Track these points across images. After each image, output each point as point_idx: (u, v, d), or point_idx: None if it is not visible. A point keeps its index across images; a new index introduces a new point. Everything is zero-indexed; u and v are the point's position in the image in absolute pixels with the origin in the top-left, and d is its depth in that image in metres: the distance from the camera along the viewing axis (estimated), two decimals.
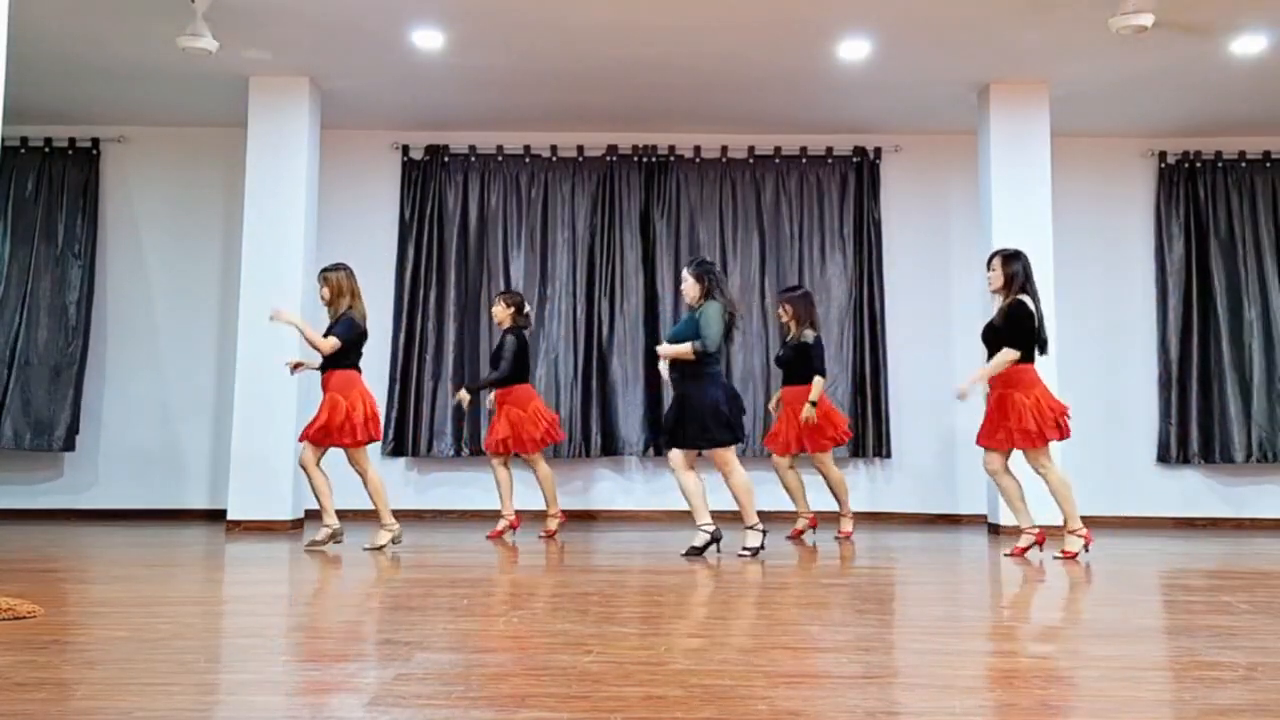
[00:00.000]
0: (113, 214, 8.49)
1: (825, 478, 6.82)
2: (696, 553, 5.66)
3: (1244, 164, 8.48)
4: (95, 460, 8.27)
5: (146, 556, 5.61)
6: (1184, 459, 8.27)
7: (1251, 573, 5.16)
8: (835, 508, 6.97)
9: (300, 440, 6.01)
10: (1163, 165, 8.52)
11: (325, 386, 5.97)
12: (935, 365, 8.40)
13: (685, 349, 5.67)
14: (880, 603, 4.16)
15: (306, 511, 7.86)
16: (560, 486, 8.32)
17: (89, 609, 3.82)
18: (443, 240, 8.41)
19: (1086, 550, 5.71)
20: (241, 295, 7.47)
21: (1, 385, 8.06)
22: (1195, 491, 8.32)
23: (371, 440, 5.95)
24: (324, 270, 6.14)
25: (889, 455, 8.27)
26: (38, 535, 6.75)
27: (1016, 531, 7.43)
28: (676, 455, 5.72)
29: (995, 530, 7.33)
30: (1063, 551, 5.69)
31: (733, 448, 5.71)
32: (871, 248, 8.39)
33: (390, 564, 5.35)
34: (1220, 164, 8.49)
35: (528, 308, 7.04)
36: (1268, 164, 8.48)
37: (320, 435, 5.86)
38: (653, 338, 8.24)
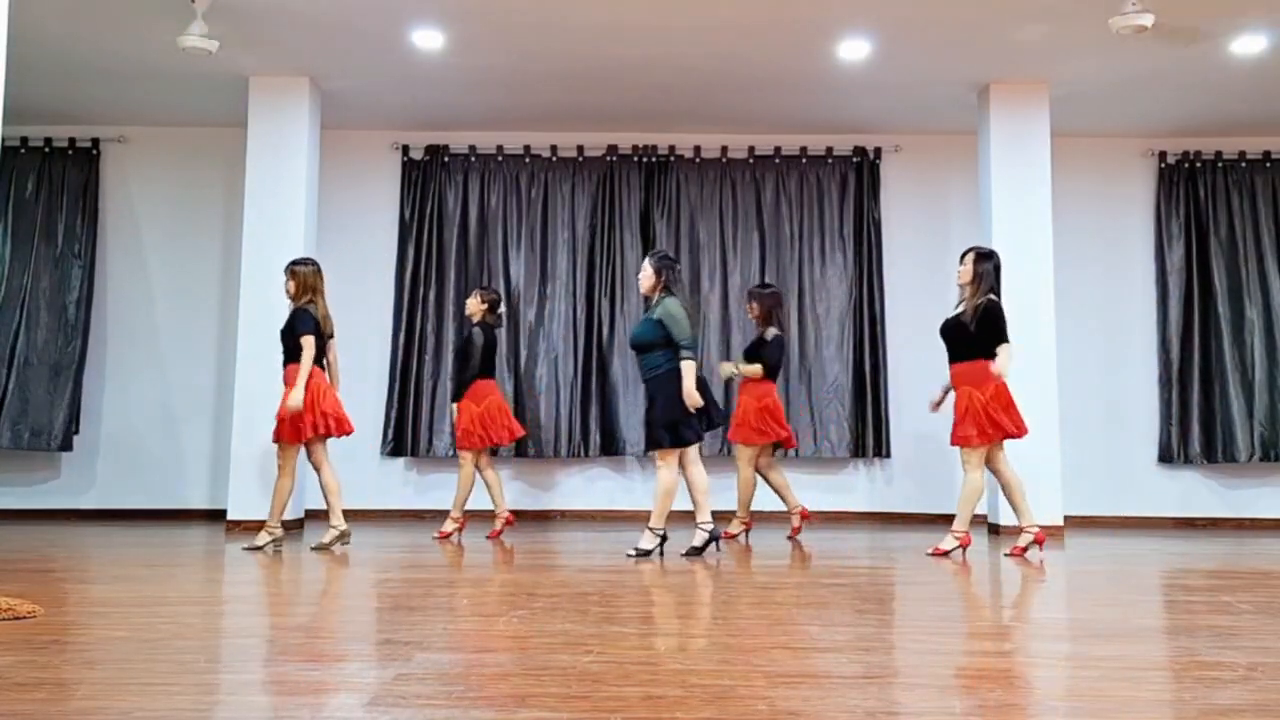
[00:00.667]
0: (113, 214, 8.49)
1: (738, 473, 6.79)
2: (696, 552, 5.69)
3: (1244, 164, 8.48)
4: (95, 460, 8.27)
5: (146, 556, 5.61)
6: (1184, 459, 8.26)
7: (1252, 573, 5.16)
8: (730, 508, 6.95)
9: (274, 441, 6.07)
10: (1163, 165, 8.52)
11: (285, 381, 6.03)
12: (935, 365, 8.36)
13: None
14: (880, 603, 4.16)
15: (307, 511, 7.86)
16: (559, 486, 8.34)
17: (89, 609, 3.82)
18: (443, 240, 8.41)
19: (963, 552, 5.92)
20: (241, 295, 7.47)
21: (1, 385, 8.06)
22: (1196, 491, 8.32)
23: (320, 436, 5.96)
24: (292, 264, 6.15)
25: (889, 455, 8.27)
26: (37, 535, 6.75)
27: (1017, 531, 7.43)
28: (690, 452, 5.76)
29: (995, 530, 7.33)
30: (934, 549, 5.90)
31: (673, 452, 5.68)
32: (871, 248, 8.39)
33: (390, 564, 5.35)
34: (1220, 164, 8.49)
35: (502, 308, 7.05)
36: (1268, 164, 8.48)
37: (283, 432, 5.92)
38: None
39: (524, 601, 4.03)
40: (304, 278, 6.07)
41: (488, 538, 6.75)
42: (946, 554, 5.81)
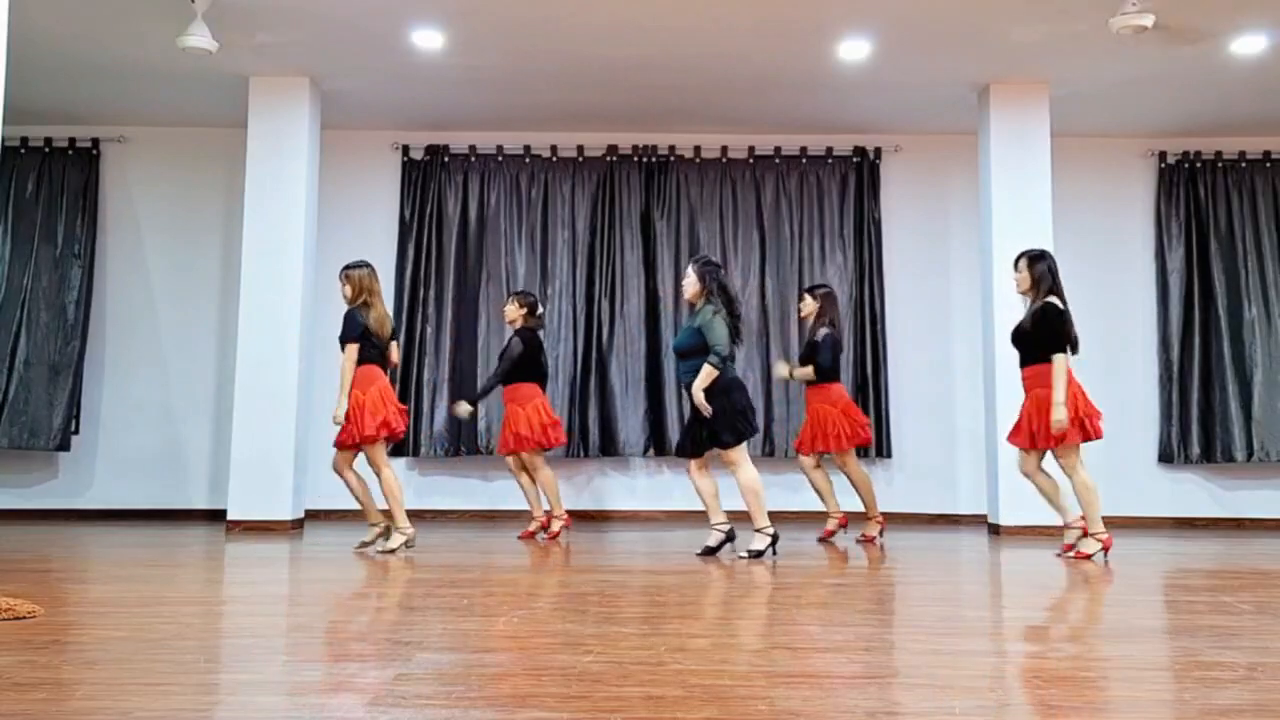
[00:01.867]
0: (113, 214, 8.49)
1: (849, 478, 6.75)
2: (710, 552, 5.71)
3: (1244, 164, 8.48)
4: (95, 460, 8.27)
5: (146, 556, 5.61)
6: (1185, 459, 8.26)
7: (1252, 573, 5.16)
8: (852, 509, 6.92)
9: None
10: (1163, 165, 8.52)
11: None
12: (935, 365, 8.41)
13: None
14: (880, 603, 4.16)
15: (306, 511, 7.87)
16: (560, 486, 8.32)
17: (89, 609, 3.82)
18: (442, 240, 8.41)
19: (1105, 554, 5.77)
20: (242, 295, 7.47)
21: (1, 385, 8.06)
22: (1196, 492, 8.32)
23: (374, 439, 5.84)
24: (346, 267, 6.06)
25: (889, 455, 8.27)
26: (37, 535, 6.75)
27: (1017, 531, 7.41)
28: (692, 462, 5.78)
29: (995, 530, 7.33)
30: (1076, 553, 5.76)
31: (742, 446, 5.68)
32: (871, 248, 8.39)
33: (390, 564, 5.34)
34: (1220, 164, 8.49)
35: (541, 309, 7.02)
36: (1268, 164, 8.48)
37: (342, 437, 5.88)
38: (653, 338, 8.26)
39: (524, 601, 4.03)
40: (359, 280, 5.96)
41: (520, 537, 6.79)
42: (1089, 557, 5.64)
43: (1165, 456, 8.30)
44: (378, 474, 5.92)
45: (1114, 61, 7.10)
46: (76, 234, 8.32)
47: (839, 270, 8.38)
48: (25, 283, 8.21)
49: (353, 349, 5.85)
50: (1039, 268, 5.82)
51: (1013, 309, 7.42)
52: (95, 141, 8.45)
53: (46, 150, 8.40)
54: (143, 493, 8.23)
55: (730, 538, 5.78)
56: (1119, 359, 8.46)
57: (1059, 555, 5.84)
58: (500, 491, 8.27)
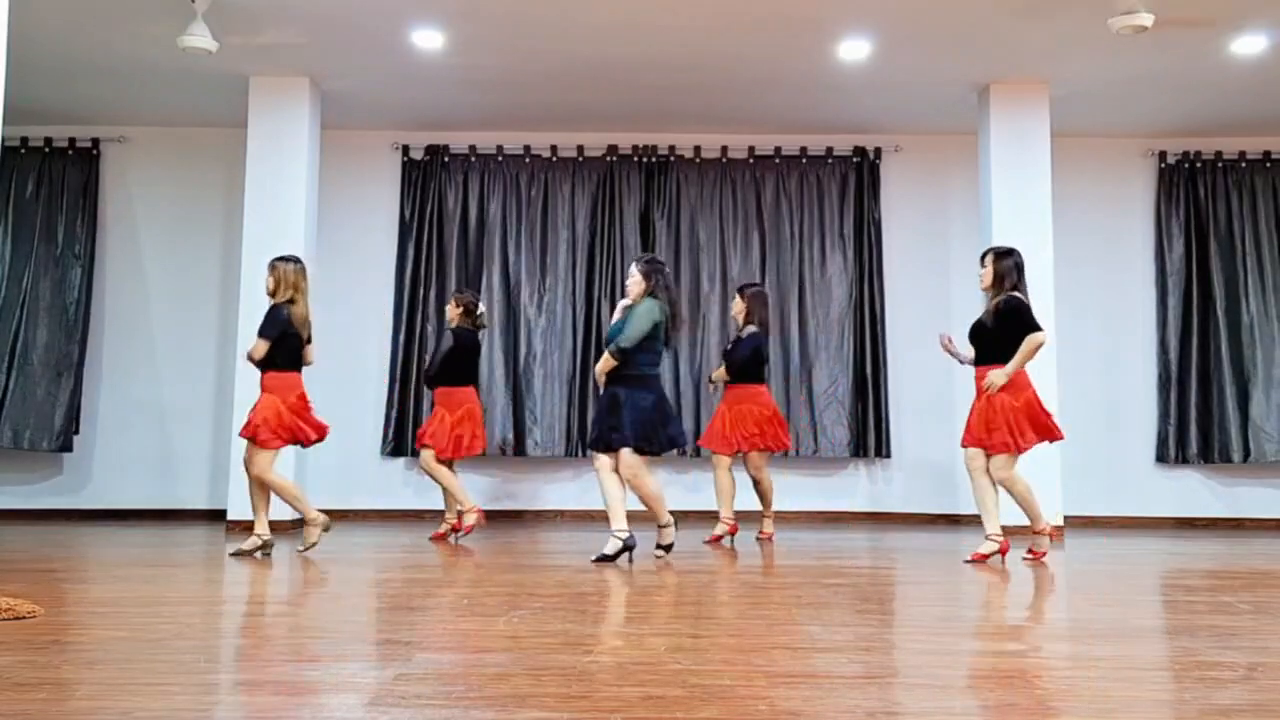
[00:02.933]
0: (113, 214, 8.49)
1: (757, 482, 6.60)
2: (607, 559, 5.31)
3: (1244, 164, 8.48)
4: (95, 460, 8.27)
5: (146, 556, 5.61)
6: (1183, 459, 8.26)
7: (1251, 573, 5.16)
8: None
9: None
10: (1163, 165, 8.52)
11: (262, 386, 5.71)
12: (935, 365, 8.39)
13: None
14: (880, 603, 4.16)
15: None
16: (558, 486, 8.33)
17: (89, 609, 3.82)
18: (443, 240, 8.41)
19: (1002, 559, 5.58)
20: (241, 295, 7.47)
21: (1, 385, 8.06)
22: (1194, 491, 8.32)
23: (269, 446, 5.58)
24: (274, 260, 5.81)
25: (889, 455, 8.26)
26: (37, 535, 6.75)
27: (1017, 531, 7.43)
28: (604, 459, 5.47)
29: None
30: (1031, 550, 5.61)
31: (643, 455, 5.41)
32: (871, 248, 8.39)
33: (390, 564, 5.34)
34: (1220, 164, 8.49)
35: (481, 309, 6.83)
36: (1268, 164, 8.48)
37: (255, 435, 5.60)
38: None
39: (524, 601, 4.03)
40: (283, 274, 5.71)
41: (431, 539, 6.57)
42: (985, 558, 5.51)
43: (1164, 456, 8.30)
44: (262, 477, 5.60)
45: (1114, 61, 7.10)
46: (76, 234, 8.32)
47: (839, 270, 8.38)
48: (25, 283, 8.21)
49: (263, 345, 5.58)
50: (1005, 263, 5.64)
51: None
52: (95, 141, 8.44)
53: (46, 150, 8.40)
54: (143, 493, 8.23)
55: (629, 546, 5.34)
56: (1118, 359, 8.45)
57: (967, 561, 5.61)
58: (501, 491, 8.27)
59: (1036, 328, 5.50)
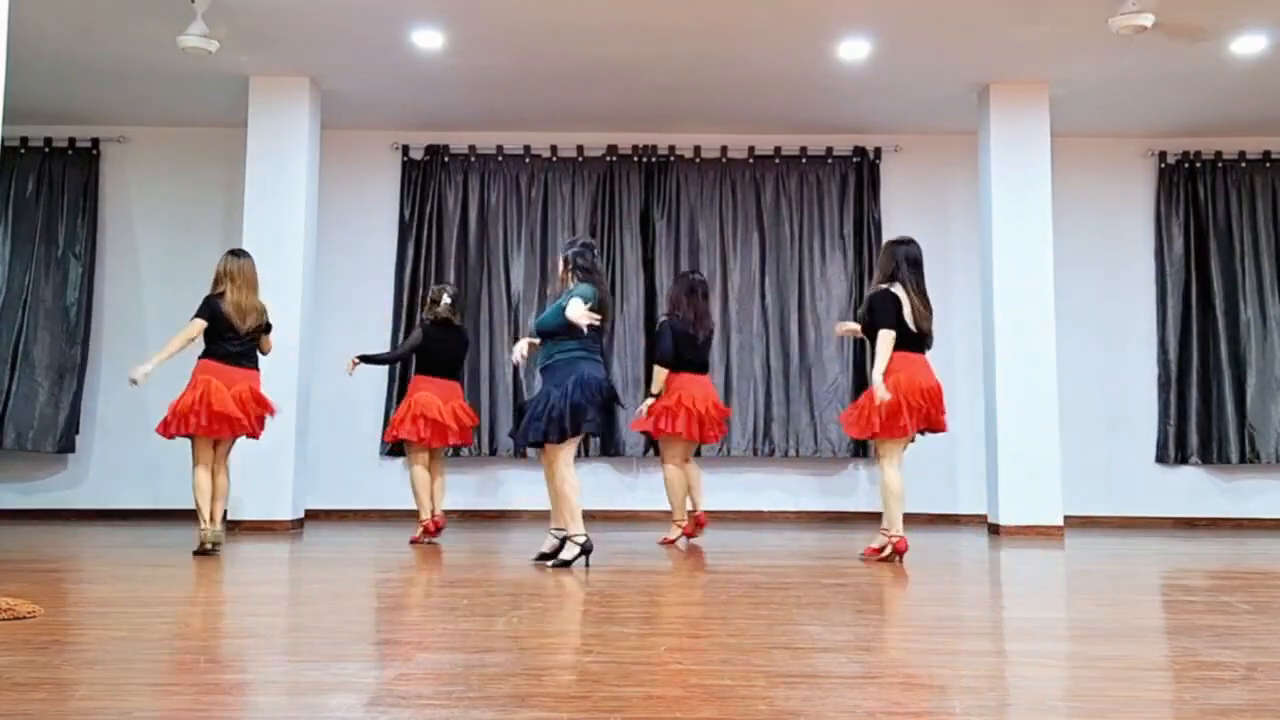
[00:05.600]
0: (113, 214, 8.49)
1: (669, 473, 6.51)
2: (564, 565, 5.15)
3: (1244, 164, 8.48)
4: (96, 460, 8.27)
5: (146, 556, 5.61)
6: (1183, 459, 8.26)
7: (1251, 573, 5.16)
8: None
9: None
10: (1163, 165, 8.52)
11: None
12: (935, 365, 8.34)
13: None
14: (880, 603, 4.16)
15: (306, 511, 7.86)
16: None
17: (89, 609, 3.82)
18: (443, 240, 8.41)
19: (899, 558, 5.55)
20: None
21: (3, 386, 8.06)
22: (1195, 491, 8.32)
23: (182, 433, 5.64)
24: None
25: None
26: (38, 535, 6.75)
27: (1017, 531, 7.40)
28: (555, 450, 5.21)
29: (995, 530, 7.33)
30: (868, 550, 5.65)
31: (565, 446, 5.17)
32: (871, 248, 8.39)
33: (390, 564, 5.34)
34: (1220, 164, 8.49)
35: (444, 301, 6.54)
36: (1268, 164, 8.48)
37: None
38: (652, 337, 8.25)
39: (524, 601, 4.03)
40: (218, 267, 5.84)
41: (411, 541, 6.46)
42: (879, 552, 5.58)
43: (1164, 456, 8.29)
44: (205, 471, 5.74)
45: (1114, 61, 7.10)
46: (77, 234, 8.32)
47: (839, 270, 8.38)
48: (26, 283, 8.22)
49: (197, 324, 5.68)
50: (886, 254, 5.70)
51: (1011, 308, 7.43)
52: (95, 141, 8.45)
53: (46, 150, 8.40)
54: (143, 493, 8.23)
55: (586, 550, 5.16)
56: (1118, 358, 8.45)
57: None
58: (502, 491, 8.27)
59: (887, 324, 5.52)
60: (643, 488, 8.31)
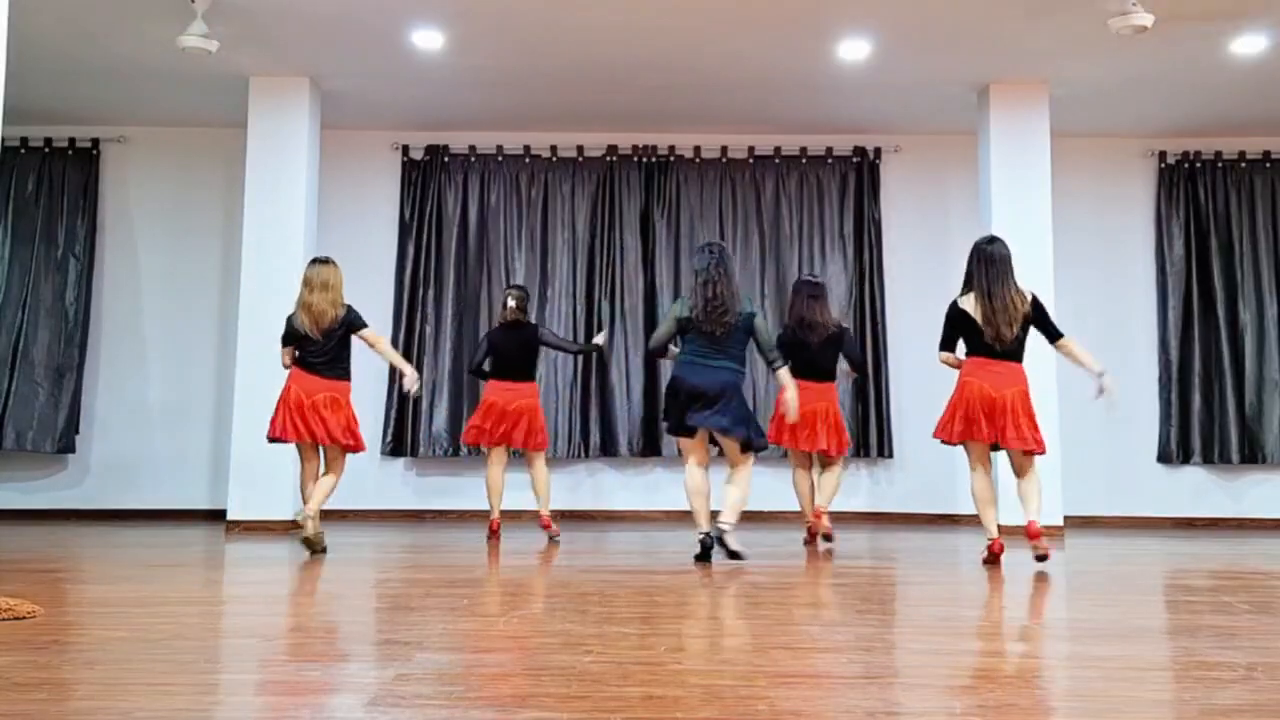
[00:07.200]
0: (113, 214, 8.49)
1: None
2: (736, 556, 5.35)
3: (1244, 164, 8.48)
4: (95, 460, 8.26)
5: (146, 556, 5.61)
6: (1184, 459, 8.26)
7: (1252, 573, 5.16)
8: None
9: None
10: (1163, 165, 8.52)
11: None
12: (935, 365, 8.36)
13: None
14: (880, 603, 4.16)
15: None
16: (559, 486, 8.31)
17: (89, 609, 3.82)
18: (442, 240, 8.41)
19: (996, 560, 5.50)
20: (241, 295, 7.47)
21: (2, 386, 8.06)
22: (1195, 491, 8.31)
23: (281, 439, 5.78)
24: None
25: (890, 455, 8.26)
26: (38, 535, 6.75)
27: (1017, 531, 7.43)
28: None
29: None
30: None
31: (682, 440, 5.58)
32: (871, 248, 8.39)
33: (390, 564, 5.34)
34: (1220, 164, 8.49)
35: (511, 303, 6.60)
36: (1268, 164, 8.48)
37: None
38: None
39: (524, 601, 4.03)
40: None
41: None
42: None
43: (1165, 456, 8.30)
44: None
45: (1114, 61, 7.10)
46: (77, 234, 8.32)
47: (839, 270, 8.38)
48: (26, 283, 8.22)
49: (281, 349, 5.93)
50: (969, 258, 5.64)
51: None
52: (95, 141, 8.44)
53: (46, 150, 8.39)
54: (143, 493, 8.23)
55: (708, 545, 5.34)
56: (1118, 359, 8.42)
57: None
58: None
59: (940, 345, 5.86)
60: (641, 488, 8.31)
